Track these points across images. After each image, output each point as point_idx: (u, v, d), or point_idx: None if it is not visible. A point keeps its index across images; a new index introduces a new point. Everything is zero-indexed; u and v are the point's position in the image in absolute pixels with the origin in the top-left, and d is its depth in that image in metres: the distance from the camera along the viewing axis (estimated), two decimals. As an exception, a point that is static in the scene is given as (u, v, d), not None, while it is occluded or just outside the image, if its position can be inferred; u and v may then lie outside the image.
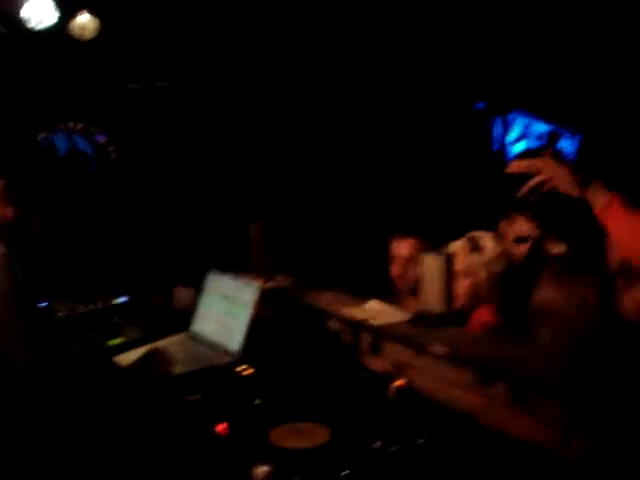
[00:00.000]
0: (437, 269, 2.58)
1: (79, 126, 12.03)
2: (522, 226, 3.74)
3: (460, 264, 3.00)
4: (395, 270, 3.60)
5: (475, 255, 3.08)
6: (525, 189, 2.30)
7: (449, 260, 2.60)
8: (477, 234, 3.18)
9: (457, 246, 3.13)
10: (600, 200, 2.23)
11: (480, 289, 3.09)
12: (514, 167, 2.32)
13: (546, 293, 2.67)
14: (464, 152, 11.73)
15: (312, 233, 5.30)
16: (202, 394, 2.38)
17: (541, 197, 2.35)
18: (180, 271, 4.04)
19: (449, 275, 2.59)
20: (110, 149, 11.82)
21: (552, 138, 14.84)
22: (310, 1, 8.74)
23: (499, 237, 3.35)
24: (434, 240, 3.50)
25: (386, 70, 10.57)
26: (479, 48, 10.26)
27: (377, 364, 2.73)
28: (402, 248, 3.58)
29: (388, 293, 3.63)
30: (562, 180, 2.25)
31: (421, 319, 2.63)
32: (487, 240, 3.14)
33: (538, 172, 2.29)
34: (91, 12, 5.32)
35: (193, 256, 4.33)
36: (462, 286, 3.03)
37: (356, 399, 2.43)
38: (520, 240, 3.83)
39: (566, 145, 14.59)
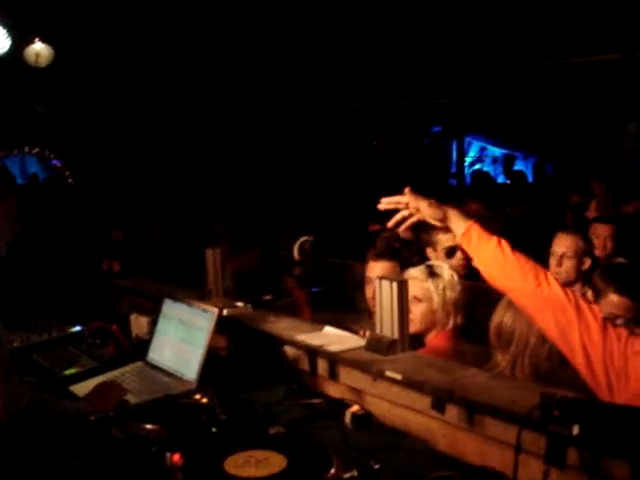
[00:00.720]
0: (392, 295, 2.60)
1: (34, 150, 11.92)
2: (448, 239, 3.85)
3: (416, 289, 3.05)
4: (368, 292, 3.60)
5: (431, 281, 3.14)
6: (393, 222, 2.49)
7: (404, 286, 2.62)
8: (435, 262, 3.27)
9: (414, 272, 3.19)
10: (459, 228, 2.41)
11: (435, 314, 3.14)
12: (384, 204, 2.51)
13: (505, 318, 2.71)
14: (424, 174, 11.91)
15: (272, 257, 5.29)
16: (157, 423, 2.36)
17: None
18: (136, 297, 4.01)
19: (404, 301, 2.62)
20: (67, 174, 11.71)
21: (507, 161, 15.10)
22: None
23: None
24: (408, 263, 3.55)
25: (344, 98, 10.69)
26: (435, 74, 10.44)
27: (334, 390, 2.74)
28: (376, 270, 3.56)
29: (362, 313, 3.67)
30: (424, 212, 2.43)
31: (377, 345, 2.65)
32: (444, 268, 3.22)
33: (405, 206, 2.46)
34: (44, 40, 5.32)
35: (150, 282, 4.29)
36: (417, 311, 3.08)
37: (312, 426, 2.43)
38: (450, 252, 3.94)
39: (521, 167, 14.85)
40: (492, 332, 2.83)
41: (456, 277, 3.21)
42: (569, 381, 2.46)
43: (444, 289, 3.15)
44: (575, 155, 13.86)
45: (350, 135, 11.34)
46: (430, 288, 3.15)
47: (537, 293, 2.28)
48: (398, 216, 2.48)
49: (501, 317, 2.76)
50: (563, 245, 4.14)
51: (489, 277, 2.41)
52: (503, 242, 2.37)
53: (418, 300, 3.12)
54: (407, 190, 2.49)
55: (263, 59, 9.57)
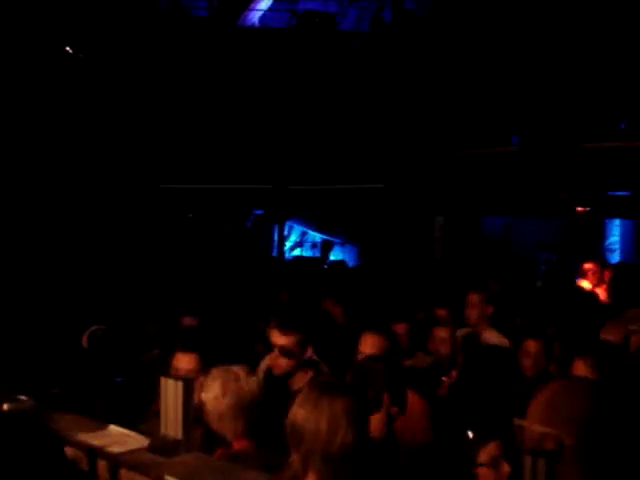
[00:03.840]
0: (177, 394, 2.55)
1: None
2: (279, 339, 3.87)
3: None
4: None
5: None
6: None
7: (189, 386, 2.58)
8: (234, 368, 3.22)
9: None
10: None
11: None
12: None
13: (297, 416, 2.71)
14: (244, 257, 11.97)
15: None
16: None
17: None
18: None
19: (189, 401, 2.57)
20: None
21: (325, 247, 15.51)
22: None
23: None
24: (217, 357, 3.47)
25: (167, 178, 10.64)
26: (258, 158, 10.66)
27: (115, 494, 2.63)
28: (182, 362, 3.45)
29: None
30: None
31: (160, 446, 2.58)
32: (241, 371, 3.18)
33: None
34: None
35: None
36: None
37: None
38: (284, 352, 3.93)
39: (337, 254, 15.32)
40: (287, 428, 2.82)
41: (252, 380, 3.17)
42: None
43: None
44: (389, 244, 14.55)
45: (169, 217, 11.27)
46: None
47: None
48: None
49: (294, 414, 2.76)
50: (368, 345, 4.17)
51: None
52: None
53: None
54: None
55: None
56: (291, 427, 2.70)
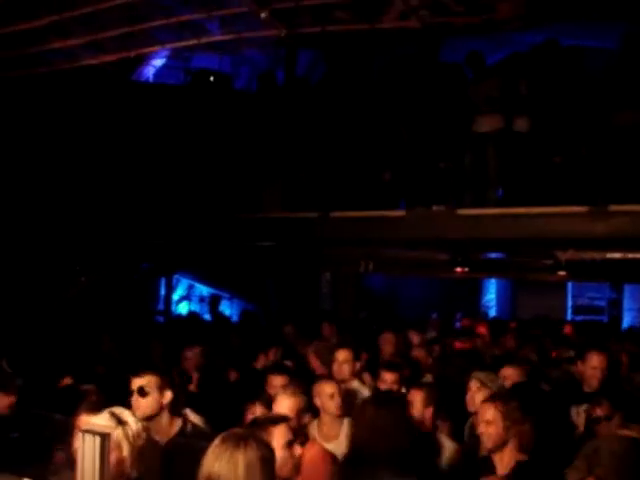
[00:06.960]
0: (94, 448, 2.67)
1: None
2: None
3: None
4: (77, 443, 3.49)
5: (120, 429, 3.15)
6: None
7: (106, 439, 2.71)
8: (116, 409, 3.27)
9: (100, 420, 3.16)
10: None
11: (124, 463, 3.14)
12: None
13: (215, 467, 2.86)
14: (130, 310, 11.89)
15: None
16: None
17: None
18: None
19: (105, 454, 2.70)
20: None
21: (213, 301, 15.56)
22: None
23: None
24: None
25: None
26: (150, 212, 10.71)
27: None
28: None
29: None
30: None
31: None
32: (127, 415, 3.26)
33: None
34: None
35: None
36: None
37: None
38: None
39: (225, 308, 15.41)
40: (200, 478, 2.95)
41: (140, 424, 3.26)
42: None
43: (134, 436, 3.17)
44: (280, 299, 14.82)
45: (56, 269, 11.13)
46: (118, 437, 3.12)
47: None
48: None
49: (210, 467, 2.89)
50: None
51: None
52: None
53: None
54: None
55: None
56: (207, 478, 2.85)
